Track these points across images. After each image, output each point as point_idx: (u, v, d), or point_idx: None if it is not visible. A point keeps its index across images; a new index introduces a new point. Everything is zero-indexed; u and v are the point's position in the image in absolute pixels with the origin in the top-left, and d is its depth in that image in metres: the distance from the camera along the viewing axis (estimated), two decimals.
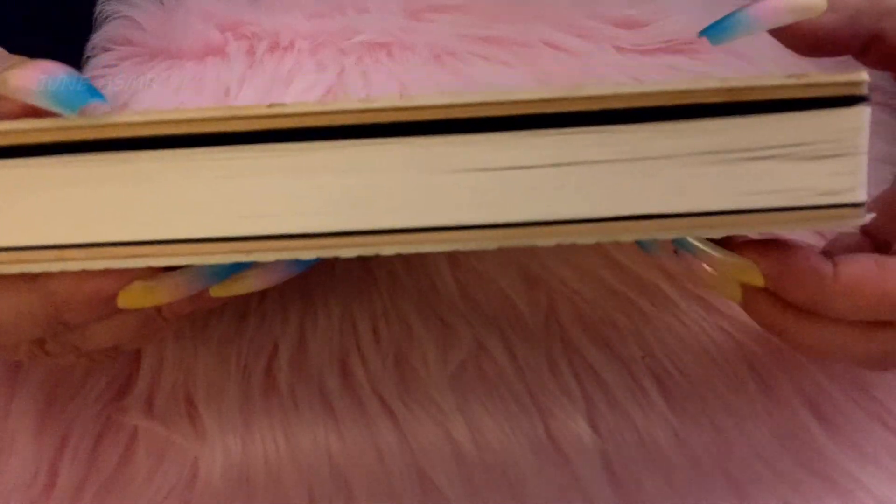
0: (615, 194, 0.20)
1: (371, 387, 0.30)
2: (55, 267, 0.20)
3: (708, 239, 0.24)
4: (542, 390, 0.31)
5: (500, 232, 0.20)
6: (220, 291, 0.23)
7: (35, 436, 0.29)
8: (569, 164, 0.20)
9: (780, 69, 0.41)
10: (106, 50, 0.43)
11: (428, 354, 0.31)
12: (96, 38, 0.43)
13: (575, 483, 0.28)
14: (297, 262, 0.22)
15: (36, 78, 0.20)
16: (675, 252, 0.25)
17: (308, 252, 0.20)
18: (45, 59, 0.21)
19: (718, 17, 0.38)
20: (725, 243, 0.24)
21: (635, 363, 0.32)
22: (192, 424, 0.29)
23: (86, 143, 0.20)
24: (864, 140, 0.20)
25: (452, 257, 0.34)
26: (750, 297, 0.25)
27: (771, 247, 0.23)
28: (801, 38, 0.25)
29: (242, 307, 0.33)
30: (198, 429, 0.29)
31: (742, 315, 0.34)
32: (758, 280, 0.24)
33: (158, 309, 0.24)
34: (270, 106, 0.19)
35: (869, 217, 0.21)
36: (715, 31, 0.25)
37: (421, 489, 0.28)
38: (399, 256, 0.35)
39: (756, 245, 0.23)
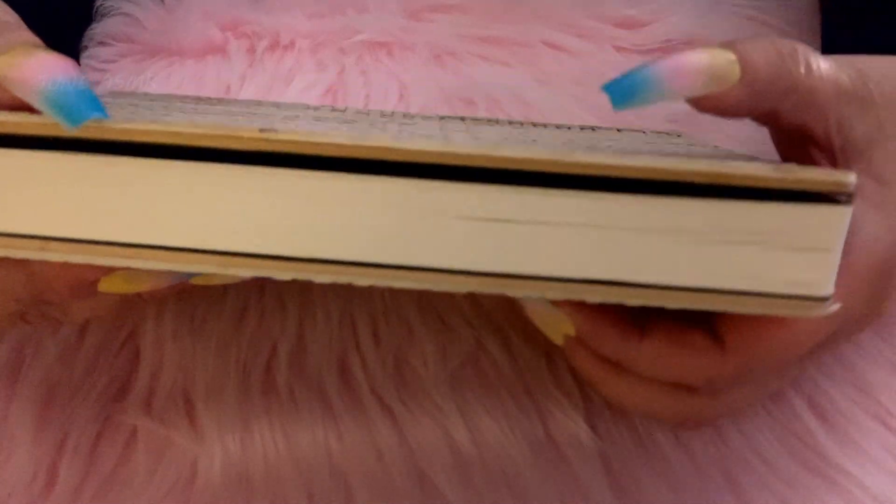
0: (589, 257, 0.20)
1: (370, 387, 0.30)
2: (38, 256, 0.20)
3: None
4: (542, 390, 0.31)
5: (473, 279, 0.20)
6: (201, 281, 0.23)
7: (34, 435, 0.28)
8: (548, 223, 0.20)
9: None
10: (103, 44, 0.43)
11: (427, 354, 0.31)
12: (95, 30, 0.43)
13: (574, 483, 0.28)
14: None
15: (38, 78, 0.20)
16: None
17: (284, 273, 0.20)
18: (49, 55, 0.20)
19: (718, 17, 0.39)
20: None
21: None
22: (192, 424, 0.29)
23: (78, 142, 0.20)
24: (841, 237, 0.21)
25: None
26: (570, 345, 0.26)
27: (587, 306, 0.24)
28: (701, 104, 0.24)
29: (241, 306, 0.33)
30: (197, 428, 0.29)
31: None
32: (570, 330, 0.25)
33: (138, 292, 0.25)
34: (263, 131, 0.19)
35: (834, 308, 0.21)
36: (617, 90, 0.23)
37: (420, 489, 0.28)
38: None
39: (573, 301, 0.24)
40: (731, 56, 0.23)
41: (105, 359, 0.31)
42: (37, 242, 0.20)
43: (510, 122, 0.35)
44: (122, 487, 0.27)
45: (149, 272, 0.22)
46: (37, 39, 0.23)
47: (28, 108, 0.20)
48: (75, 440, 0.28)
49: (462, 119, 0.35)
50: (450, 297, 0.33)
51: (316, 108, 0.35)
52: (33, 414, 0.29)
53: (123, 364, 0.31)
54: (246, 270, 0.20)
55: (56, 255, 0.20)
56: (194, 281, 0.23)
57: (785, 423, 0.30)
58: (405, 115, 0.35)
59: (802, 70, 0.24)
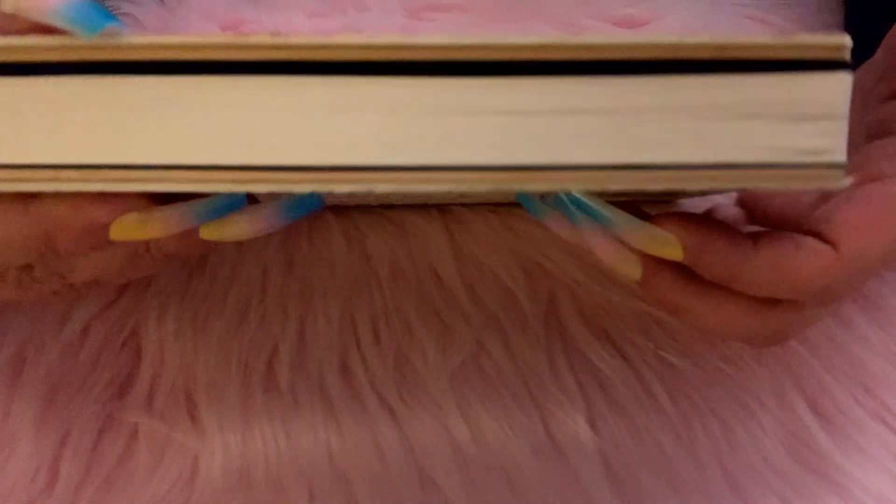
0: (603, 143, 0.21)
1: (371, 385, 0.30)
2: (50, 187, 0.20)
3: (625, 211, 0.24)
4: (542, 390, 0.31)
5: (493, 175, 0.20)
6: (210, 233, 0.23)
7: (36, 433, 0.29)
8: (560, 111, 0.20)
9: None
10: None
11: (428, 353, 0.31)
12: None
13: (574, 482, 0.28)
14: (287, 209, 0.23)
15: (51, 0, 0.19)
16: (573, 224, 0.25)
17: (303, 185, 0.20)
18: None
19: (717, 16, 0.38)
20: (643, 217, 0.24)
21: (637, 358, 0.32)
22: (193, 422, 0.29)
23: (89, 65, 0.20)
24: (845, 103, 0.21)
25: (456, 247, 0.34)
26: (651, 274, 0.25)
27: (691, 220, 0.24)
28: None
29: (243, 306, 0.33)
30: (198, 426, 0.29)
31: None
32: (677, 254, 0.24)
33: (146, 245, 0.24)
34: (273, 35, 0.19)
35: (848, 181, 0.21)
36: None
37: (421, 487, 0.28)
38: (403, 244, 0.34)
39: (676, 218, 0.24)
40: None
41: (107, 357, 0.31)
42: (48, 172, 0.20)
43: None
44: (124, 485, 0.28)
45: (161, 215, 0.22)
46: None
47: (37, 30, 0.20)
48: (77, 438, 0.28)
49: None
50: (450, 296, 0.33)
51: None
52: (35, 412, 0.29)
53: (125, 362, 0.31)
54: (264, 186, 0.20)
55: (70, 184, 0.20)
56: (203, 233, 0.23)
57: (786, 422, 0.30)
58: None
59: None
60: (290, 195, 0.23)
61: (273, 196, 0.23)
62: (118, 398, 0.30)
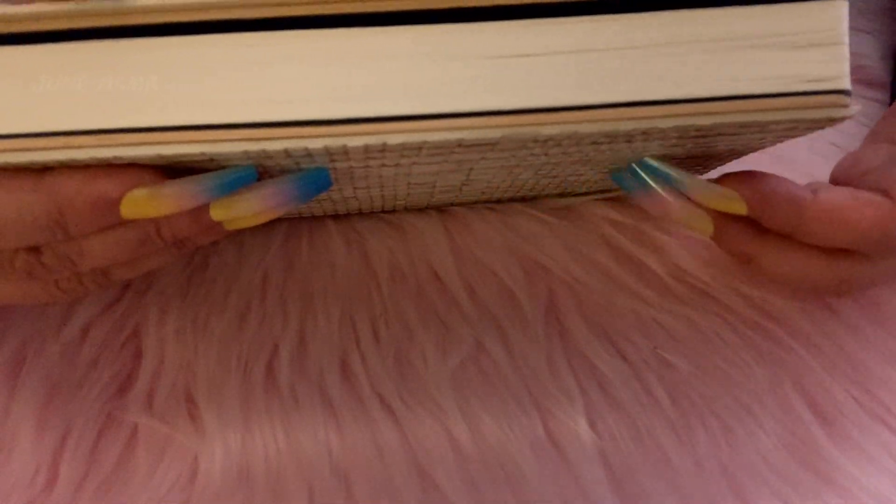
0: (612, 81, 0.21)
1: (371, 385, 0.30)
2: (63, 155, 0.20)
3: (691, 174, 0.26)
4: (542, 390, 0.31)
5: (505, 119, 0.21)
6: (219, 211, 0.23)
7: (36, 433, 0.29)
8: (570, 51, 0.21)
9: None
10: None
11: (427, 353, 0.31)
12: None
13: (574, 482, 0.28)
14: (296, 185, 0.23)
15: None
16: (645, 192, 0.26)
17: (316, 140, 0.20)
18: None
19: None
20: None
21: (637, 358, 0.32)
22: (193, 422, 0.29)
23: (97, 30, 0.20)
24: (844, 30, 0.22)
25: (455, 246, 0.34)
26: (722, 227, 0.28)
27: (752, 177, 0.26)
28: None
29: (244, 307, 0.33)
30: (198, 426, 0.29)
31: (745, 310, 0.33)
32: (741, 208, 0.26)
33: (157, 228, 0.24)
34: None
35: (855, 109, 0.22)
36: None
37: (421, 487, 0.28)
38: (402, 245, 0.34)
39: (739, 176, 0.26)
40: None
41: (107, 357, 0.31)
42: (61, 140, 0.20)
43: None
44: (123, 485, 0.28)
45: (171, 189, 0.22)
46: None
47: None
48: (76, 438, 0.28)
49: None
50: (449, 296, 0.33)
51: None
52: (34, 411, 0.29)
53: (125, 362, 0.31)
54: (277, 143, 0.20)
55: (83, 151, 0.20)
56: (214, 212, 0.22)
57: (786, 422, 0.30)
58: None
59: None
60: (298, 169, 0.23)
61: (283, 171, 0.23)
62: (118, 398, 0.30)
